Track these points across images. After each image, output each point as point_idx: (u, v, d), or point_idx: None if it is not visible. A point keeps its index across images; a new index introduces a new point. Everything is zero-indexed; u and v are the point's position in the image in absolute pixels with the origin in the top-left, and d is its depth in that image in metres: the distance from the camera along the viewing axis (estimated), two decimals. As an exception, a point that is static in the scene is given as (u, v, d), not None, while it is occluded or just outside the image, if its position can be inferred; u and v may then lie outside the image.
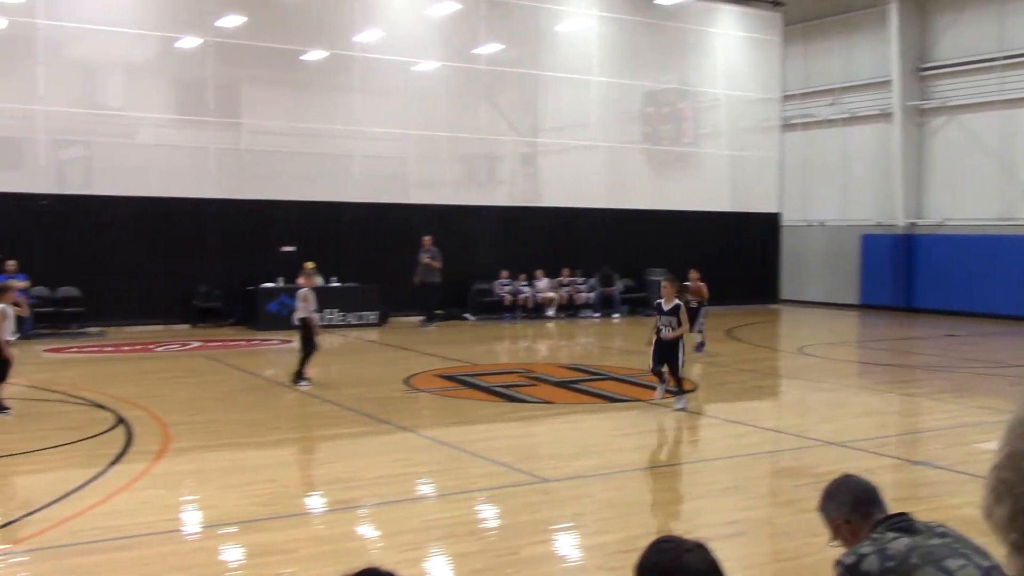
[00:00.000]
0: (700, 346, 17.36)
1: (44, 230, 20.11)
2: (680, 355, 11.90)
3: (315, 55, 23.63)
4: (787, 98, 30.03)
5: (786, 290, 29.76)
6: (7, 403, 11.18)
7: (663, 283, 12.36)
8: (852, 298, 28.77)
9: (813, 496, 3.93)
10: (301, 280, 14.11)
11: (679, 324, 11.86)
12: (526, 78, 26.52)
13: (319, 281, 15.45)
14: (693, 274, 17.56)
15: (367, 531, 7.22)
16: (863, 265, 28.66)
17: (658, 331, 12.00)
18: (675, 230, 26.88)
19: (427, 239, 22.52)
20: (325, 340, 14.87)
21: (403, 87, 24.39)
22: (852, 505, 3.52)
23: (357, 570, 2.26)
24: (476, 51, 25.22)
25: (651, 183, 28.17)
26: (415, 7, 24.61)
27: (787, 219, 29.97)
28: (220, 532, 7.02)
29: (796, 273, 29.88)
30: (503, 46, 25.75)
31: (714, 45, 28.69)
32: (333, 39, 23.58)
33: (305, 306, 13.38)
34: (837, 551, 3.37)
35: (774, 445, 10.63)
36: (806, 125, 30.44)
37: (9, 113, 20.61)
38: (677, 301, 12.06)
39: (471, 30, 25.22)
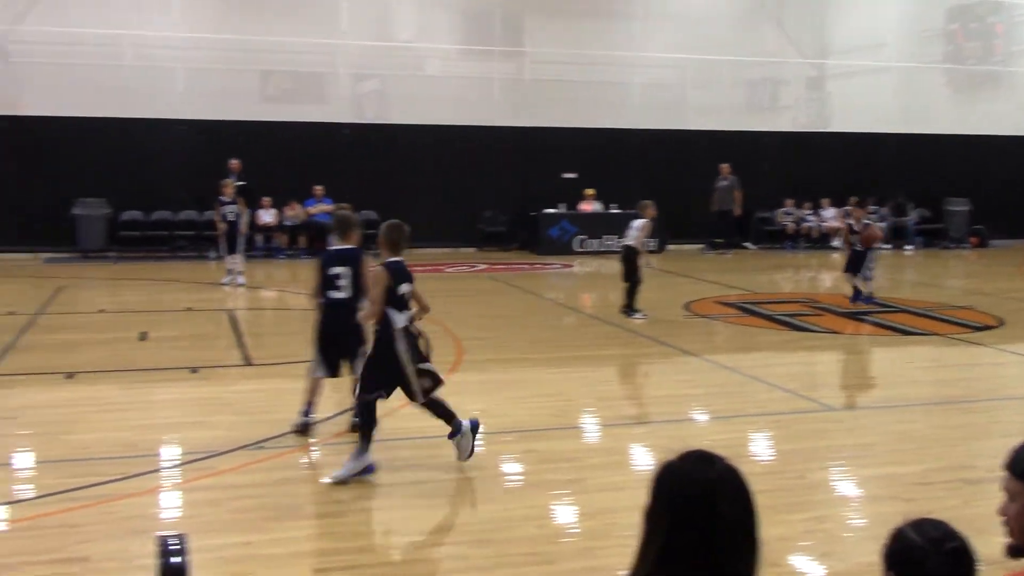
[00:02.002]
0: (856, 295, 14.19)
1: (345, 158, 21.58)
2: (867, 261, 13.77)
3: (597, -19, 23.59)
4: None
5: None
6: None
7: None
8: None
9: None
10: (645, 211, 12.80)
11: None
12: (815, -4, 25.23)
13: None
14: (856, 212, 14.75)
15: (652, 444, 7.33)
16: None
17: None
18: (979, 156, 24.82)
19: (724, 167, 22.13)
20: (606, 265, 14.99)
21: (684, 11, 23.89)
22: None
23: (683, 453, 2.31)
24: (763, -31, 24.23)
25: (952, 106, 26.07)
26: (700, -74, 23.94)
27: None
28: (513, 439, 7.37)
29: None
30: (791, -37, 24.58)
31: (1034, -50, 25.92)
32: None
33: (639, 236, 12.67)
34: None
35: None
36: None
37: (314, 48, 22.15)
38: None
39: (758, -53, 24.24)
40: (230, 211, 16.02)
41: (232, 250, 15.98)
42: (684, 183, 22.45)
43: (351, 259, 7.15)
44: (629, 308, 12.75)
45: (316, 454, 7.06)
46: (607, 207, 22.32)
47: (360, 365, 7.03)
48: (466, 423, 6.56)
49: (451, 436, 6.54)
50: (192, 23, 20.75)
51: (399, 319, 6.34)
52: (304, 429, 7.23)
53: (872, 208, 23.99)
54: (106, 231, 19.97)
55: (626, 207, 21.74)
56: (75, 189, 19.77)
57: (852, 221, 14.48)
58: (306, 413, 7.26)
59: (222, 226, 16.09)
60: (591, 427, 8.06)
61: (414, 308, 6.54)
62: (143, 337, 11.22)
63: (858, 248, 14.02)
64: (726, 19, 24.43)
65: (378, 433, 6.41)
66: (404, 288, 6.43)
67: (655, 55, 23.65)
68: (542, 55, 23.48)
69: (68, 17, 20.34)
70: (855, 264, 14.09)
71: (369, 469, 6.30)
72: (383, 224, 6.68)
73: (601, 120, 23.00)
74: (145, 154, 20.26)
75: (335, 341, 7.15)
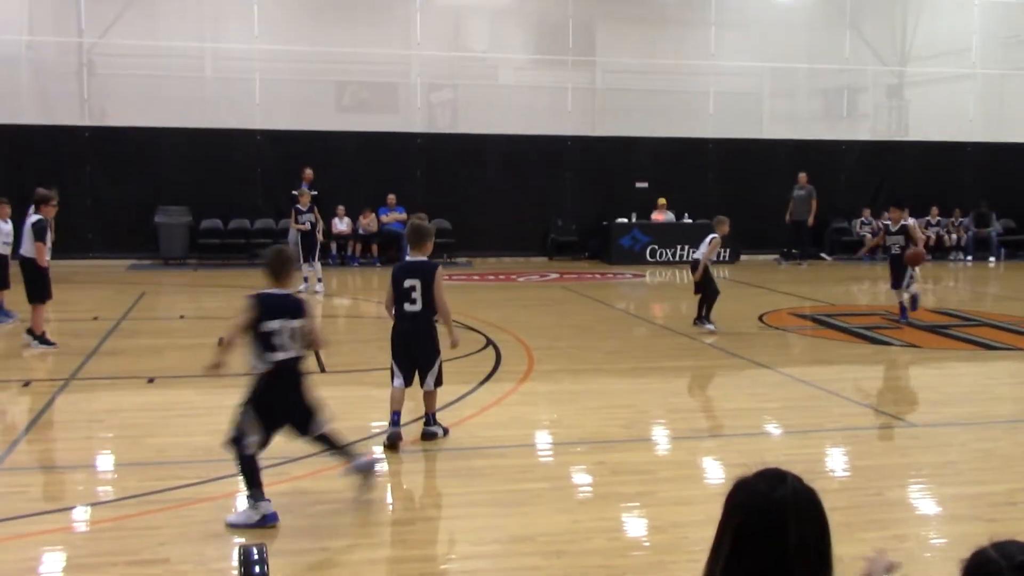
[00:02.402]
0: (903, 313, 13.27)
1: (418, 167, 21.79)
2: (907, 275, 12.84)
3: (670, -11, 23.48)
4: None
5: None
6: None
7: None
8: None
9: None
10: (719, 227, 12.53)
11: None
12: (895, 2, 24.75)
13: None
14: (895, 214, 13.30)
15: (725, 459, 7.25)
16: None
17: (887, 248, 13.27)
18: (1067, 166, 24.08)
19: (802, 176, 21.86)
20: (678, 276, 14.86)
21: (760, 18, 23.67)
22: None
23: (758, 470, 2.29)
24: (840, -24, 23.86)
25: (1039, 114, 25.33)
26: (776, -67, 23.67)
27: None
28: (584, 449, 7.35)
29: None
30: (870, -31, 24.18)
31: None
32: (690, -28, 23.32)
33: (708, 251, 12.41)
34: None
35: None
36: None
37: (390, 59, 22.44)
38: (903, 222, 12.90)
39: (836, -46, 23.90)
40: (307, 220, 16.26)
41: (309, 259, 16.21)
42: (759, 193, 22.20)
43: (423, 271, 7.08)
44: (700, 318, 12.63)
45: (387, 463, 7.12)
46: (679, 217, 22.16)
47: (432, 376, 7.08)
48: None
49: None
50: (270, 35, 21.17)
51: (260, 361, 5.68)
52: (394, 440, 7.08)
53: (959, 220, 23.42)
54: (187, 239, 20.47)
55: (698, 217, 21.61)
56: (158, 197, 20.30)
57: (889, 222, 13.38)
58: (394, 423, 7.11)
59: (299, 225, 16.20)
60: (663, 439, 8.00)
61: (295, 349, 5.75)
62: (221, 343, 11.41)
63: (896, 253, 12.98)
64: (803, 26, 24.15)
65: (445, 442, 6.41)
66: (273, 325, 5.66)
67: (730, 63, 23.45)
68: (615, 64, 23.45)
69: (152, 30, 20.94)
70: (898, 278, 13.00)
71: (269, 519, 5.58)
72: (269, 248, 6.16)
73: (674, 129, 22.86)
74: (224, 164, 20.73)
75: (409, 352, 7.15)
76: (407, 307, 7.02)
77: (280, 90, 21.34)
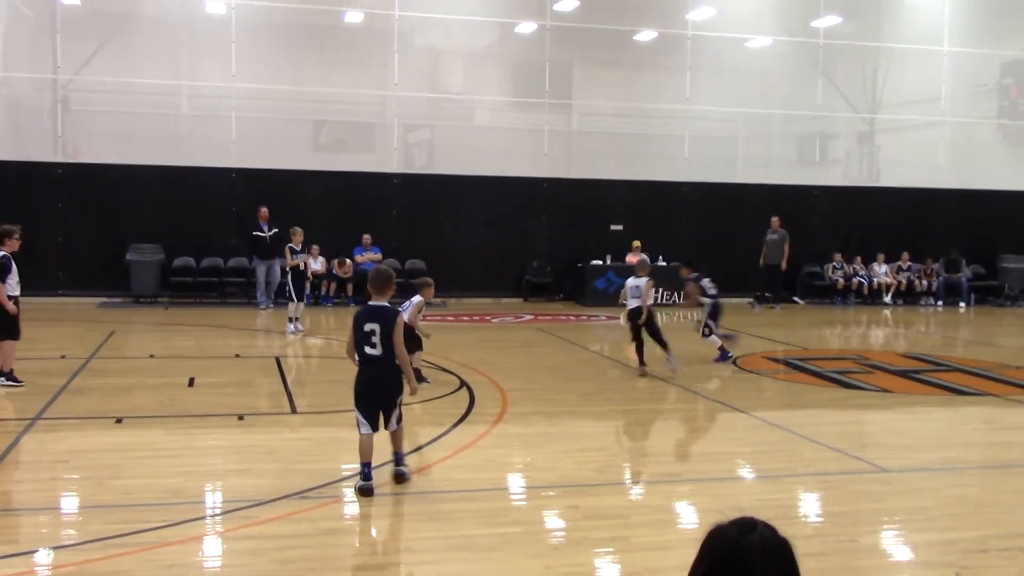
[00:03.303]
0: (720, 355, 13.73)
1: (394, 207, 21.80)
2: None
3: (646, 35, 23.75)
4: None
5: None
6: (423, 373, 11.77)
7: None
8: None
9: None
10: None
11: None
12: (867, 51, 25.16)
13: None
14: (684, 271, 14.82)
15: (698, 504, 7.21)
16: None
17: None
18: (1034, 213, 24.44)
19: (775, 220, 22.05)
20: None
21: (735, 65, 23.96)
22: None
23: (733, 518, 2.28)
24: (814, 24, 24.23)
25: (1007, 161, 25.75)
26: (749, -18, 24.08)
27: None
28: (557, 493, 7.29)
29: None
30: (841, 19, 24.59)
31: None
32: (665, 18, 23.61)
33: (644, 297, 12.46)
34: None
35: None
36: None
37: (367, 99, 22.54)
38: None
39: (808, 3, 24.29)
40: (300, 258, 16.29)
41: (301, 297, 16.21)
42: (733, 236, 22.36)
43: (384, 316, 7.04)
44: (669, 357, 12.60)
45: (358, 506, 7.02)
46: (654, 259, 22.23)
47: (394, 416, 7.11)
48: None
49: None
50: (248, 74, 21.17)
51: None
52: (366, 493, 6.94)
53: (931, 267, 23.67)
54: (159, 276, 20.28)
55: (672, 260, 21.72)
56: (130, 235, 20.14)
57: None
58: (365, 476, 6.99)
59: (293, 263, 16.19)
60: (636, 483, 7.95)
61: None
62: (191, 383, 11.32)
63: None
64: (777, 72, 24.47)
65: (417, 485, 6.34)
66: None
67: (705, 108, 23.72)
68: (591, 107, 23.66)
69: (127, 67, 20.89)
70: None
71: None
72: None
73: (649, 172, 23.04)
74: (198, 201, 20.63)
75: (372, 396, 7.09)
76: (368, 351, 7.01)
77: (256, 128, 21.33)
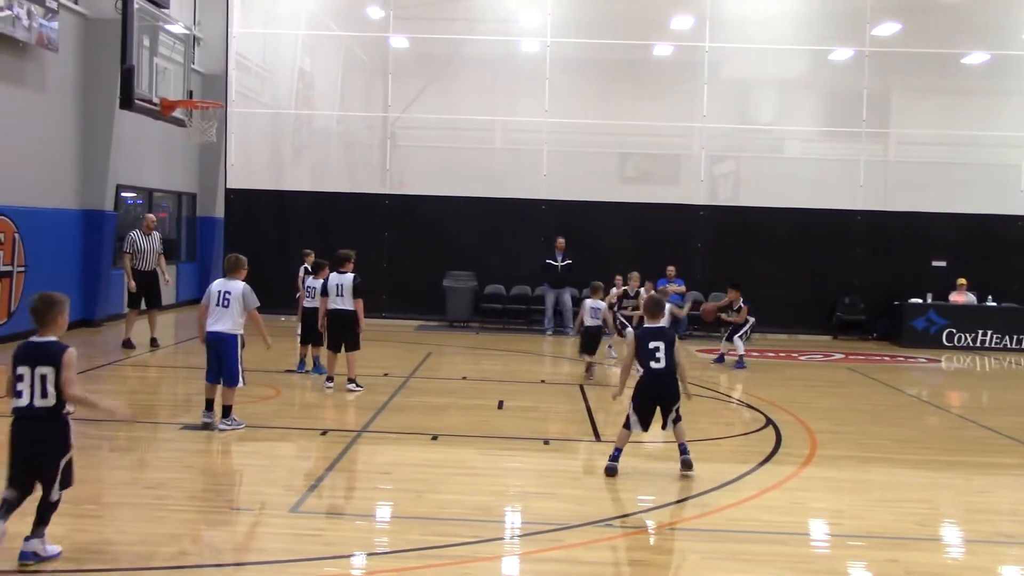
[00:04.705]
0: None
1: (699, 239, 21.62)
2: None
3: (975, 58, 22.07)
4: None
5: None
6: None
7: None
8: None
9: None
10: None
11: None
12: None
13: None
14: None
15: (1038, 571, 6.50)
16: None
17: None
18: None
19: None
20: (979, 363, 13.66)
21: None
22: None
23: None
24: None
25: None
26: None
27: None
28: (871, 544, 6.84)
29: None
30: None
31: None
32: (1001, 39, 21.85)
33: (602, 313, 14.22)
34: None
35: None
36: None
37: (673, 132, 22.56)
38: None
39: None
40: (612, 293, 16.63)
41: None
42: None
43: (665, 336, 8.45)
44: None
45: (662, 539, 6.94)
46: (982, 299, 20.54)
47: (672, 416, 8.52)
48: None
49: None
50: (559, 109, 21.86)
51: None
52: (611, 473, 8.33)
53: None
54: (471, 303, 21.37)
55: (1003, 300, 19.96)
56: (447, 262, 21.38)
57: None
58: (613, 458, 8.46)
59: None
60: (962, 541, 7.30)
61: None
62: (500, 406, 11.75)
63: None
64: None
65: (720, 523, 6.12)
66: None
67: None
68: (910, 136, 22.35)
69: (448, 105, 22.25)
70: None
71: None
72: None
73: (977, 205, 21.34)
74: (509, 232, 21.52)
75: (655, 399, 8.44)
76: (653, 365, 8.38)
77: (565, 161, 21.97)
